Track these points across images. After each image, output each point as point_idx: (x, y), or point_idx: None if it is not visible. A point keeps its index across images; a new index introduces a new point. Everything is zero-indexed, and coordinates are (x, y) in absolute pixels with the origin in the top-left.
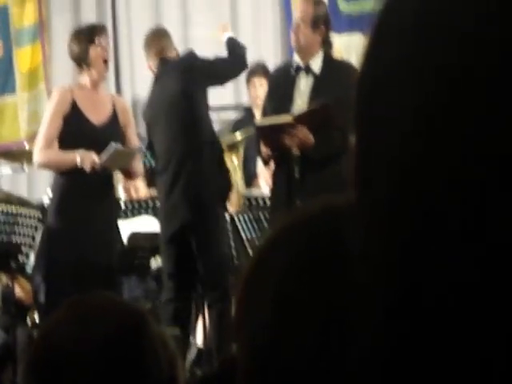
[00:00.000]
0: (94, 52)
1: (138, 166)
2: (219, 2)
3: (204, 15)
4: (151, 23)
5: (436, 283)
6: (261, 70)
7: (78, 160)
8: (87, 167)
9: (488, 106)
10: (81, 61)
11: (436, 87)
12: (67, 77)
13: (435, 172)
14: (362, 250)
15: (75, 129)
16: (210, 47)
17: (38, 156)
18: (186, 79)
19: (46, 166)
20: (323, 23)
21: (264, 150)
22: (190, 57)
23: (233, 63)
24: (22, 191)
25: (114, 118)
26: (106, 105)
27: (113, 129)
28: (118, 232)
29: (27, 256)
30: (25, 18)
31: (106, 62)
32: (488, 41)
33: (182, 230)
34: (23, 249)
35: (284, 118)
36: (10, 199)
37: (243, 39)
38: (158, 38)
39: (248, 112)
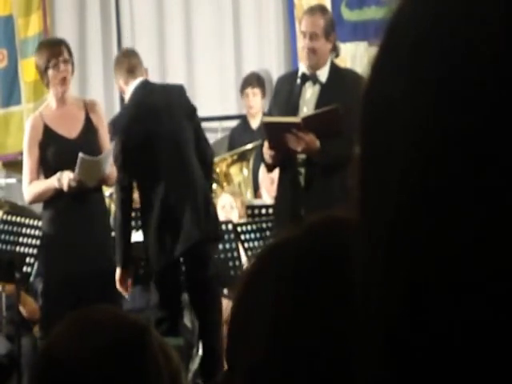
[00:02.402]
0: (50, 74)
1: (112, 170)
2: (222, 13)
3: (207, 27)
4: (155, 33)
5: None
6: (255, 80)
7: (56, 183)
8: (64, 186)
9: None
10: (42, 81)
11: (438, 106)
12: (71, 87)
13: (440, 196)
14: (361, 285)
15: (54, 150)
16: (213, 63)
17: (25, 194)
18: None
19: (34, 201)
20: (332, 29)
21: (268, 152)
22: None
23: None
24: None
25: (89, 124)
26: (77, 114)
27: (89, 137)
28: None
29: (32, 266)
30: (30, 28)
31: (63, 80)
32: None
33: (190, 250)
34: (28, 259)
35: (292, 118)
36: (14, 209)
37: (246, 50)
38: (127, 57)
39: (243, 120)
